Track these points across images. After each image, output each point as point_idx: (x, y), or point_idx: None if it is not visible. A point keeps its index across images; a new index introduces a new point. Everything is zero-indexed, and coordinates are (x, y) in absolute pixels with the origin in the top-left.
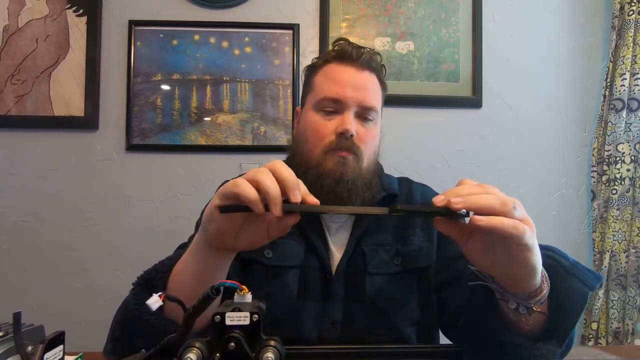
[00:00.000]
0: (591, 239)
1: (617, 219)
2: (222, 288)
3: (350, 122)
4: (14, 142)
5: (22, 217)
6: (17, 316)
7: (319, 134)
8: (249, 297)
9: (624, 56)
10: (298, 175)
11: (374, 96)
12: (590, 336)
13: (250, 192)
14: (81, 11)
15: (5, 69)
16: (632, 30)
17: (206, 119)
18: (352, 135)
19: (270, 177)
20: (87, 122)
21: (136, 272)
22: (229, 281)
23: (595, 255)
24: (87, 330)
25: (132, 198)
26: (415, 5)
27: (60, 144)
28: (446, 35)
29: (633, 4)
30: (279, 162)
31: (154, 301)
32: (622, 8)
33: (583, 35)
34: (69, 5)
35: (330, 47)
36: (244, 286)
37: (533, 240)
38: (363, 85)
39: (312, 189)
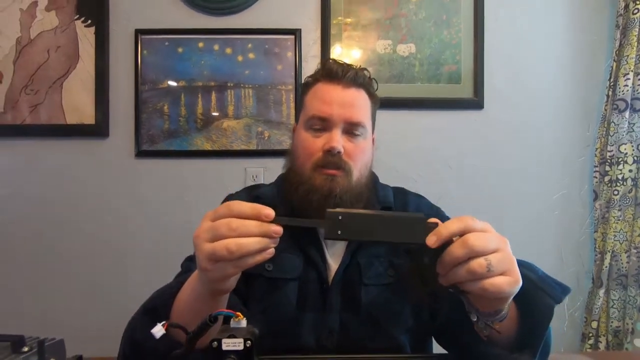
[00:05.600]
0: (593, 239)
1: (619, 220)
2: (219, 317)
3: (336, 139)
4: (29, 150)
5: (39, 224)
6: (41, 343)
7: (307, 151)
8: (243, 323)
9: (627, 55)
10: (290, 191)
11: (361, 112)
12: (591, 335)
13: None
14: (89, 22)
15: (20, 80)
16: (637, 29)
17: (212, 124)
18: (339, 152)
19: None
20: (98, 129)
21: (148, 277)
22: (225, 310)
23: (596, 255)
24: (100, 335)
25: (142, 203)
26: (416, 7)
27: (73, 151)
28: (447, 36)
29: (638, 2)
30: (226, 209)
31: (158, 330)
32: (626, 6)
33: (586, 34)
34: (77, 16)
35: (320, 66)
36: (238, 312)
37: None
38: (350, 102)
39: (303, 203)
